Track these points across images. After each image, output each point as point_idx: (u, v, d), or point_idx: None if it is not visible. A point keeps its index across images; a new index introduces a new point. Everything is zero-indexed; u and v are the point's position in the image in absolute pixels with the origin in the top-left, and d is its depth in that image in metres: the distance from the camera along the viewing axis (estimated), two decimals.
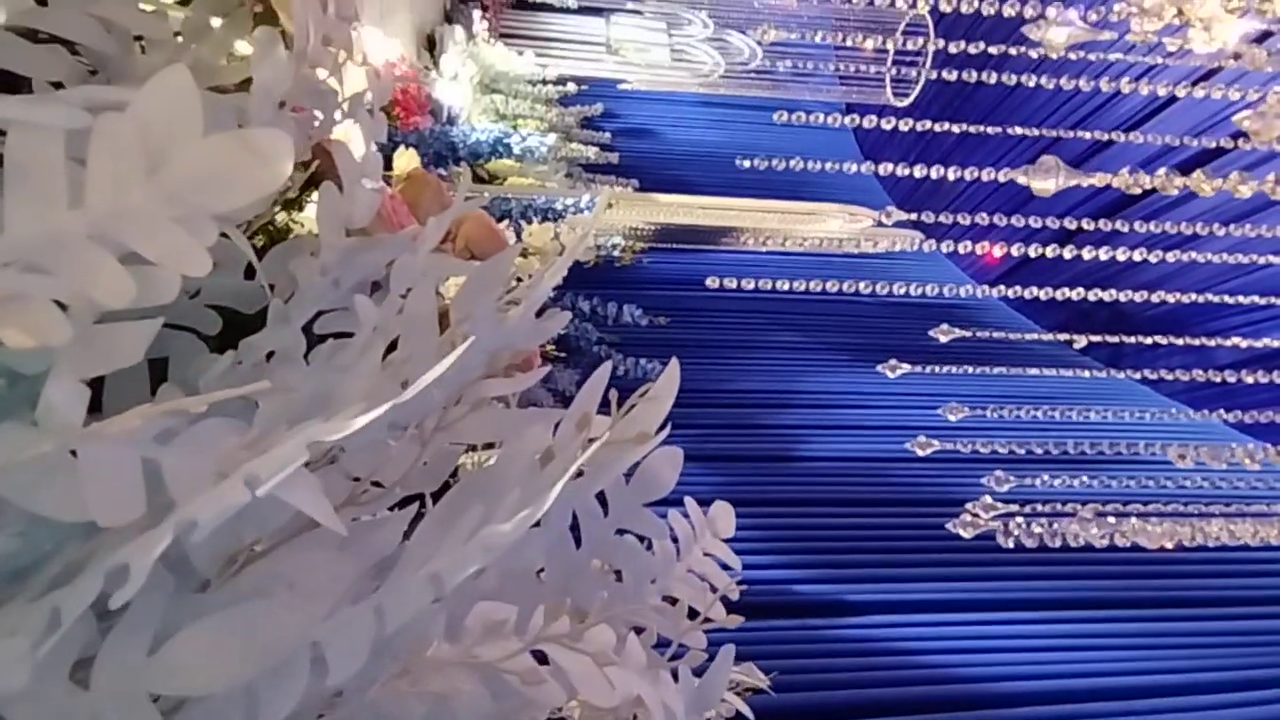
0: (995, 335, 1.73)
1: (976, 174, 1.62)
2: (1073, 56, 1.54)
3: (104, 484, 0.31)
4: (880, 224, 2.95)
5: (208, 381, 0.45)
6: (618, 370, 3.15)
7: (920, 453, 1.63)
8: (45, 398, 0.34)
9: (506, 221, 2.71)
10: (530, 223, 2.24)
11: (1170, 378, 1.74)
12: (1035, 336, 1.71)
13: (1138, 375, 1.84)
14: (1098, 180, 1.30)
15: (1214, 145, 1.55)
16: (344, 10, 0.53)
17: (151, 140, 0.33)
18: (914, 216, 1.70)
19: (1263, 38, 1.84)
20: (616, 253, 3.00)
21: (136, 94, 0.34)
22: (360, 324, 0.45)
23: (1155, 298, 1.79)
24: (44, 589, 0.32)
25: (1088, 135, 1.62)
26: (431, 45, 4.97)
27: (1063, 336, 1.77)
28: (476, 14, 5.51)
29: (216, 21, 0.55)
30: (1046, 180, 1.27)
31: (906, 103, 4.92)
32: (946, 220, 1.66)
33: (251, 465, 0.29)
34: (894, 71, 3.95)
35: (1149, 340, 1.78)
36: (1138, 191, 1.31)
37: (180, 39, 0.52)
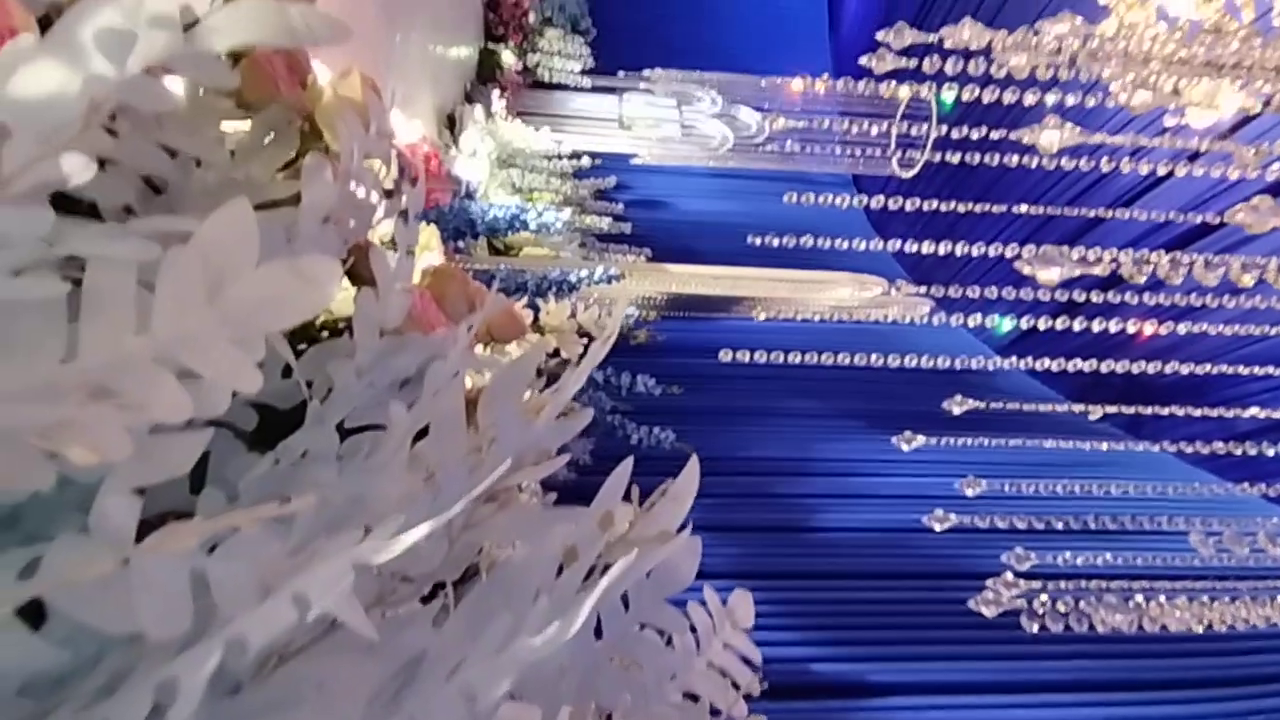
0: (1010, 406, 1.73)
1: (984, 249, 1.66)
2: (1071, 100, 1.59)
3: (155, 597, 0.33)
4: (891, 291, 2.99)
5: (247, 484, 0.47)
6: (631, 439, 3.15)
7: (937, 528, 1.61)
8: (99, 509, 0.36)
9: (522, 294, 2.77)
10: (546, 298, 2.30)
11: (1190, 450, 1.72)
12: (1051, 407, 1.71)
13: (1156, 447, 1.83)
14: (1100, 270, 1.33)
15: (1215, 221, 1.58)
16: (384, 128, 0.57)
17: (212, 269, 0.36)
18: (924, 290, 1.73)
19: (1263, 107, 1.90)
20: (630, 322, 3.05)
21: (201, 226, 0.37)
22: (393, 428, 0.47)
23: (1169, 368, 1.79)
24: (90, 700, 0.33)
25: (1091, 213, 1.67)
26: (452, 124, 5.18)
27: (1079, 408, 1.77)
28: (495, 94, 5.76)
29: (266, 138, 0.59)
30: (1050, 270, 1.30)
31: (912, 174, 5.05)
32: (956, 293, 1.69)
33: (300, 584, 0.30)
34: (899, 153, 4.08)
35: (1166, 411, 1.77)
36: (1140, 281, 1.34)
37: (234, 157, 0.56)
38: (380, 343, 0.55)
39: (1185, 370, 1.81)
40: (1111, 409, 1.70)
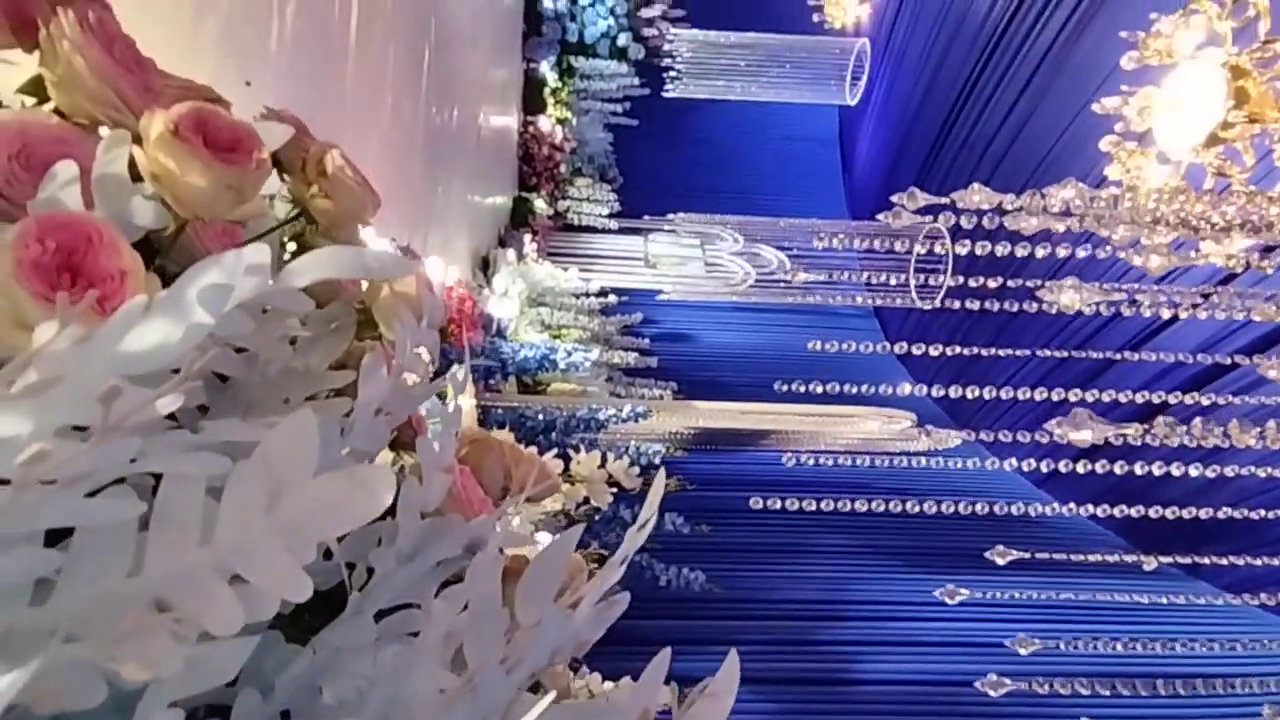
0: (1057, 555, 1.66)
1: (1012, 393, 1.66)
2: (1082, 253, 1.62)
3: None
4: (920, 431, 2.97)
5: (283, 682, 0.47)
6: (660, 580, 3.05)
7: (993, 694, 1.50)
8: None
9: (551, 431, 2.80)
10: (576, 446, 2.32)
11: (1255, 602, 1.62)
12: (1100, 556, 1.63)
13: (1219, 599, 1.72)
14: (1132, 433, 1.32)
15: (1228, 361, 1.58)
16: (435, 320, 0.61)
17: (273, 480, 0.38)
18: (954, 436, 1.71)
19: (1269, 248, 1.93)
20: (657, 461, 3.05)
21: (266, 436, 0.40)
22: (432, 625, 0.47)
23: (1203, 514, 1.72)
24: None
25: (1119, 356, 1.67)
26: (486, 265, 5.46)
27: (1130, 557, 1.69)
28: (527, 237, 6.11)
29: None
30: (1082, 433, 1.29)
31: (932, 305, 5.15)
32: (987, 438, 1.67)
33: None
34: (918, 279, 4.18)
35: (1225, 560, 1.69)
36: (1174, 443, 1.33)
37: (294, 345, 0.60)
38: (422, 526, 0.56)
39: (1239, 514, 1.74)
40: (1165, 559, 1.62)
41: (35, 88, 0.51)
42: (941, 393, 1.58)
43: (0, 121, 0.45)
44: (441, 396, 0.68)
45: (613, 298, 5.80)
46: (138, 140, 0.43)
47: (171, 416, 0.50)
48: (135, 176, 0.47)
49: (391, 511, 0.59)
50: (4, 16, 0.47)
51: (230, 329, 0.36)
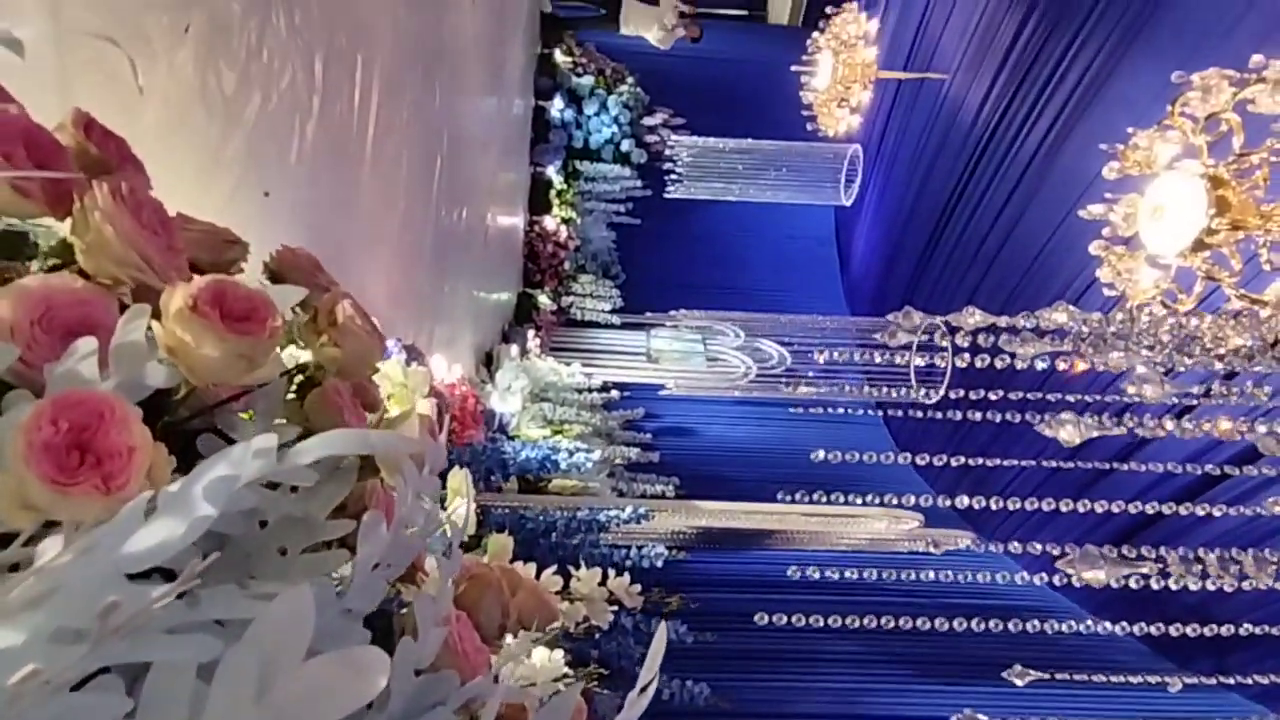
0: (1077, 676, 1.59)
1: (1019, 503, 1.63)
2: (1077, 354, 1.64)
3: None
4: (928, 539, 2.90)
5: None
6: (662, 694, 2.91)
7: None
8: None
9: (553, 535, 2.75)
10: (577, 559, 2.28)
11: None
12: (1125, 679, 1.56)
13: (1252, 718, 1.64)
14: (1147, 570, 1.30)
15: (1217, 472, 1.56)
16: (436, 465, 0.61)
17: (264, 664, 0.37)
18: (962, 539, 1.68)
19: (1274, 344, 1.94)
20: (660, 564, 2.97)
21: (260, 616, 0.39)
22: None
23: (1224, 630, 1.66)
24: None
25: (1126, 467, 1.66)
26: (489, 360, 5.51)
27: (1154, 678, 1.62)
28: (530, 333, 6.20)
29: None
30: (1096, 571, 1.27)
31: (935, 399, 5.15)
32: (997, 549, 1.64)
33: None
34: (921, 392, 4.20)
35: (1245, 680, 1.61)
36: (1194, 587, 1.30)
37: (295, 492, 0.60)
38: (415, 686, 0.54)
39: (1260, 631, 1.68)
40: (1190, 679, 1.56)
41: (62, 250, 0.54)
42: (947, 502, 1.56)
43: (25, 288, 0.47)
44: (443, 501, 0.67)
45: (615, 393, 5.82)
46: (156, 313, 0.45)
47: (170, 574, 0.50)
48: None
49: None
50: (40, 189, 0.50)
51: (233, 506, 0.37)
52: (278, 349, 0.54)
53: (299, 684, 0.38)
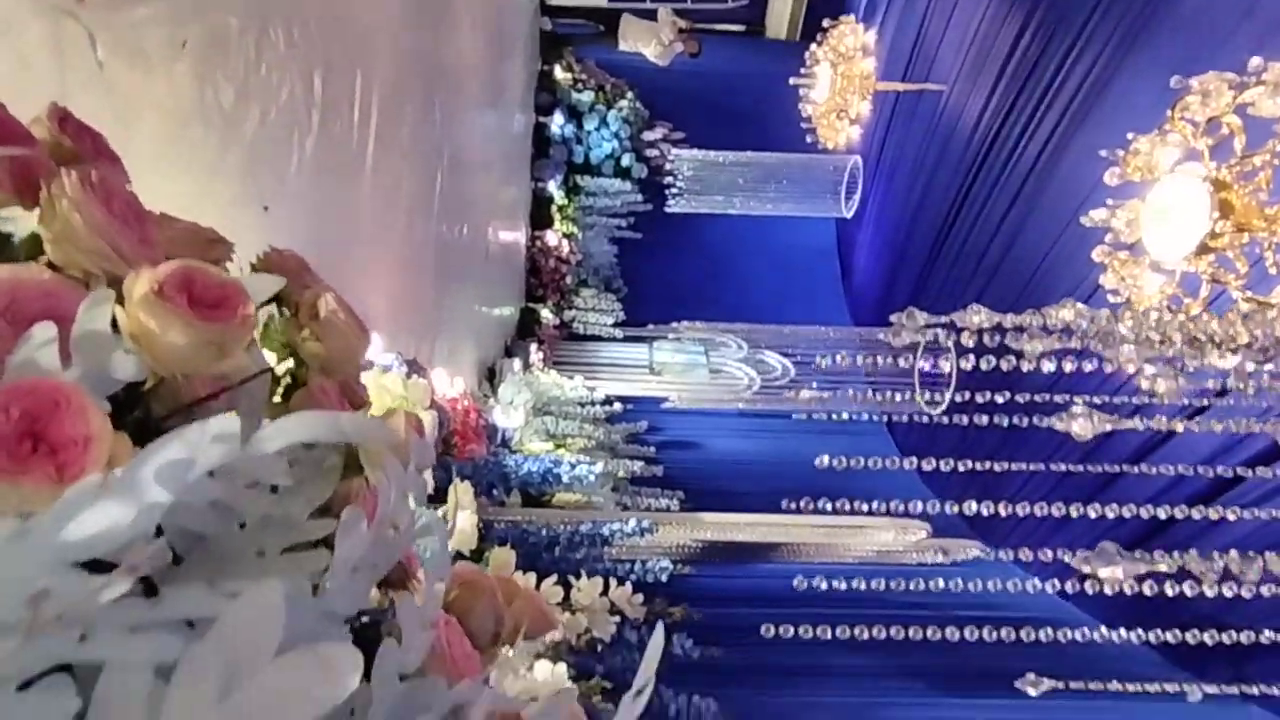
0: (1091, 685, 1.55)
1: (1029, 508, 1.60)
2: (1088, 366, 1.61)
3: None
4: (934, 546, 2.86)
5: None
6: (669, 710, 2.85)
7: None
8: None
9: (555, 550, 2.71)
10: (578, 571, 2.24)
11: None
12: (1140, 687, 1.52)
13: None
14: (1164, 567, 1.27)
15: (1230, 475, 1.53)
16: (422, 462, 0.59)
17: (230, 662, 0.35)
18: (971, 548, 1.64)
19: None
20: (664, 579, 2.93)
21: (225, 613, 0.37)
22: None
23: (1244, 637, 1.62)
24: None
25: (1136, 470, 1.63)
26: (492, 375, 5.50)
27: (1171, 686, 1.58)
28: (533, 347, 6.19)
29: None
30: (1113, 569, 1.24)
31: (942, 403, 5.11)
32: (1006, 557, 1.60)
33: None
34: (924, 395, 4.17)
35: (1269, 689, 1.57)
36: (1210, 593, 1.27)
37: (275, 492, 0.58)
38: (399, 692, 0.52)
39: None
40: (1210, 688, 1.51)
41: (31, 243, 0.52)
42: (955, 508, 1.53)
43: None
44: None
45: (618, 406, 5.79)
46: (121, 298, 0.43)
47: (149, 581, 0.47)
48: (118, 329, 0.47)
49: (366, 673, 0.55)
50: (9, 177, 0.48)
51: (195, 497, 0.34)
52: (256, 343, 0.53)
53: (265, 685, 0.36)
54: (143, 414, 0.51)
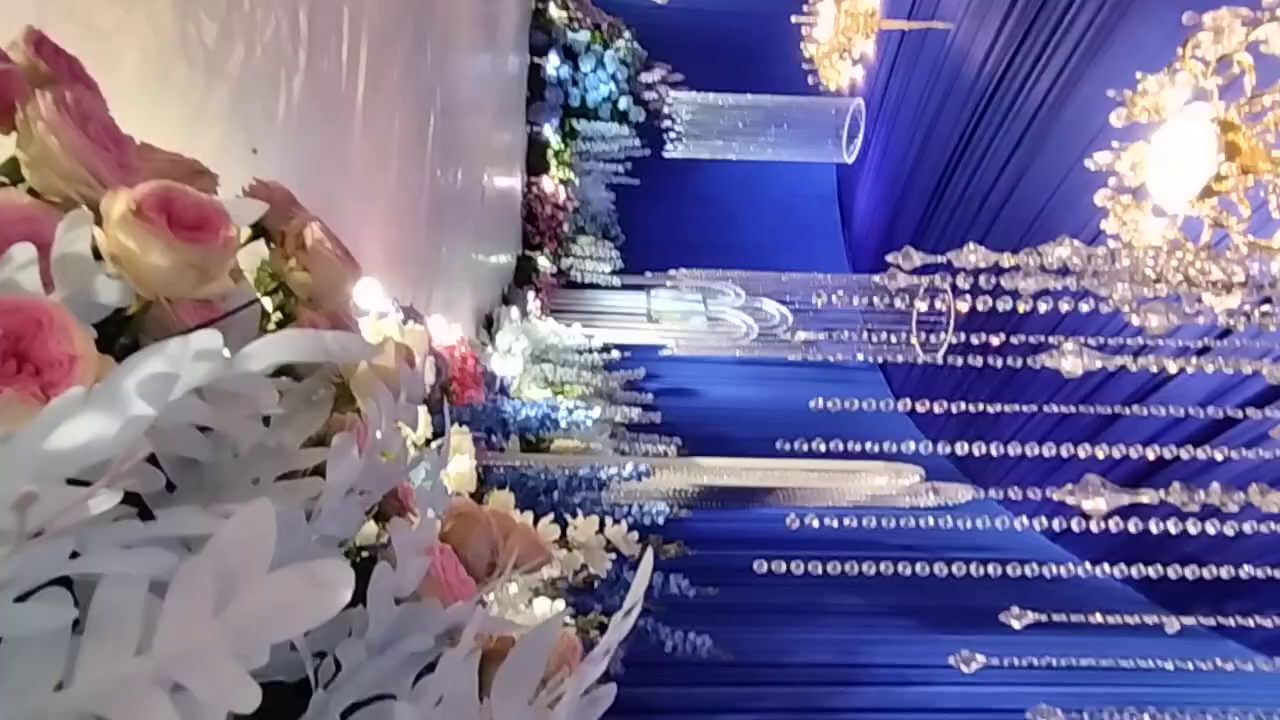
0: (1074, 618, 1.60)
1: (1020, 449, 1.62)
2: (1084, 307, 1.61)
3: None
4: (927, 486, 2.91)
5: None
6: (665, 645, 2.95)
7: None
8: None
9: (553, 494, 2.75)
10: (575, 511, 2.28)
11: None
12: (1120, 619, 1.57)
13: (1248, 664, 1.64)
14: (1147, 499, 1.29)
15: (1220, 415, 1.54)
16: (414, 393, 0.59)
17: (224, 577, 0.36)
18: (964, 492, 1.67)
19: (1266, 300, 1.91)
20: (661, 521, 2.99)
21: (218, 530, 0.37)
22: None
23: (1224, 572, 1.65)
24: None
25: (1128, 411, 1.64)
26: (490, 323, 5.49)
27: (1151, 619, 1.62)
28: (531, 295, 6.16)
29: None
30: (1096, 501, 1.26)
31: (941, 346, 5.12)
32: (997, 495, 1.63)
33: None
34: (920, 336, 4.17)
35: (1246, 621, 1.62)
36: (1193, 509, 1.29)
37: (268, 422, 0.58)
38: (395, 614, 0.53)
39: (1262, 574, 1.68)
40: (1189, 620, 1.56)
41: (11, 168, 0.51)
42: (948, 449, 1.55)
43: None
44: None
45: (616, 354, 5.79)
46: (101, 219, 0.42)
47: (137, 500, 0.48)
48: (101, 255, 0.46)
49: (363, 598, 0.56)
50: None
51: (182, 417, 0.34)
52: (238, 266, 0.52)
53: (259, 599, 0.36)
54: (131, 341, 0.51)
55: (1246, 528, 1.61)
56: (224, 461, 0.54)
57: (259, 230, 0.67)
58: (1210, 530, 1.53)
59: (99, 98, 0.61)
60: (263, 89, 2.36)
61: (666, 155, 7.39)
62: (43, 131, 0.47)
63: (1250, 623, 1.58)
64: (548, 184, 7.09)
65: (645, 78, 7.43)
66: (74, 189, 0.48)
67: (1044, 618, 1.57)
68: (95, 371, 0.37)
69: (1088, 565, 1.56)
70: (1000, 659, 1.57)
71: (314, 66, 2.66)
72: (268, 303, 0.69)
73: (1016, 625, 1.54)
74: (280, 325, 0.70)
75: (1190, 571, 1.48)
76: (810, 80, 5.95)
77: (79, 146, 0.47)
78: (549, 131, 7.22)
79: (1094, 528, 1.59)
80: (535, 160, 7.20)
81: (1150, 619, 1.59)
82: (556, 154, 7.27)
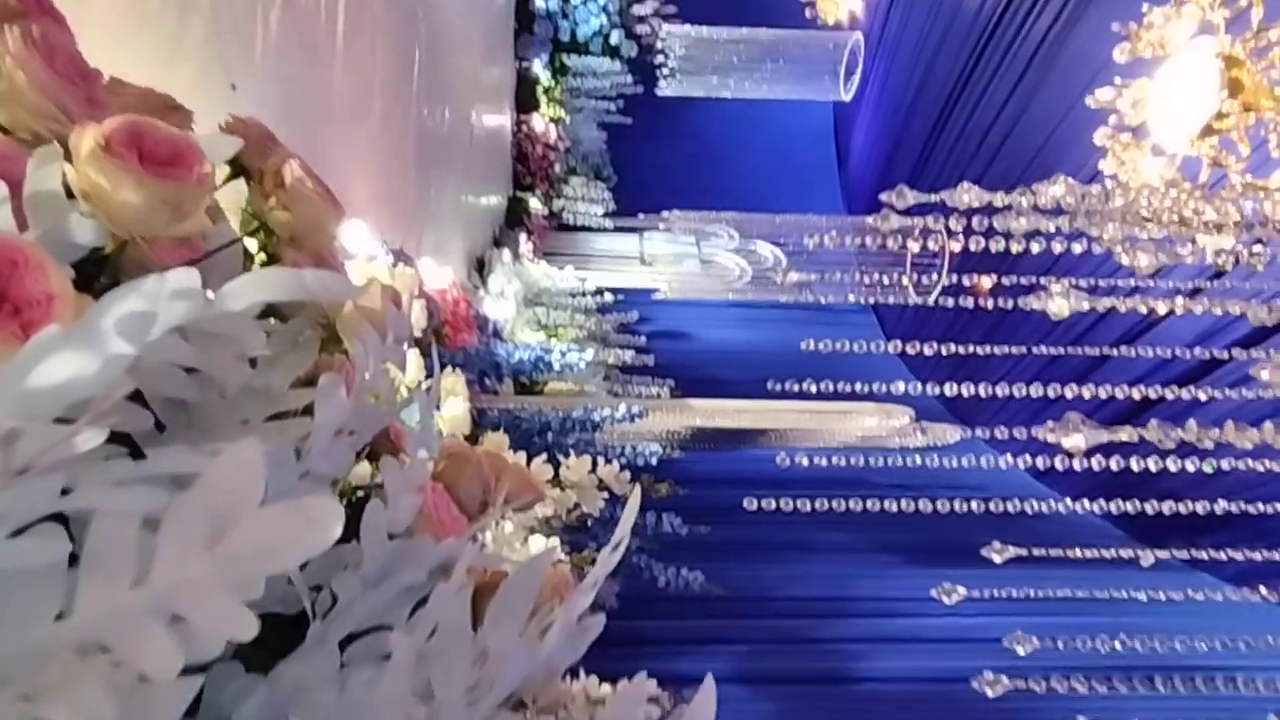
0: (1053, 552, 1.65)
1: (1008, 389, 1.64)
2: (1077, 248, 1.61)
3: None
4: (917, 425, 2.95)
5: (242, 715, 0.45)
6: (658, 581, 3.03)
7: (990, 694, 1.49)
8: None
9: (547, 433, 2.78)
10: (568, 450, 2.30)
11: (1256, 596, 1.60)
12: (1097, 553, 1.62)
13: (1218, 593, 1.70)
14: (1124, 436, 1.31)
15: (1225, 356, 1.56)
16: (400, 334, 0.59)
17: (216, 513, 0.36)
18: (952, 432, 1.69)
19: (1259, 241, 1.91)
20: (654, 461, 3.04)
21: (208, 466, 0.38)
22: (398, 657, 0.46)
23: (1200, 508, 1.70)
24: None
25: (1115, 352, 1.65)
26: (481, 266, 5.44)
27: (1127, 552, 1.68)
28: (523, 237, 6.08)
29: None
30: (1075, 437, 1.28)
31: (930, 299, 5.13)
32: (984, 435, 1.65)
33: None
34: (913, 277, 4.17)
35: (1219, 554, 1.67)
36: (1169, 446, 1.31)
37: (254, 365, 0.58)
38: (388, 550, 0.54)
39: (1236, 508, 1.72)
40: (1163, 553, 1.61)
41: None
42: (938, 390, 1.57)
43: None
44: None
45: (609, 296, 5.77)
46: (70, 156, 0.41)
47: (128, 441, 0.48)
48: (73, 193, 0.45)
49: (357, 534, 0.57)
50: None
51: (164, 355, 0.34)
52: (217, 205, 0.51)
53: (250, 534, 0.37)
54: (110, 282, 0.50)
55: (1225, 465, 1.64)
56: (212, 402, 0.54)
57: (239, 169, 0.66)
58: (1190, 468, 1.56)
59: (67, 31, 0.59)
60: (239, 23, 2.27)
61: (659, 93, 7.20)
62: (10, 66, 0.45)
63: (1223, 556, 1.64)
64: (538, 122, 6.92)
65: (637, 10, 7.17)
66: (43, 125, 0.46)
67: (1024, 552, 1.62)
68: (74, 310, 0.37)
69: (1068, 501, 1.60)
70: (981, 591, 1.63)
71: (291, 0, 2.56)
72: (252, 244, 0.68)
73: (997, 559, 1.59)
74: (265, 266, 0.69)
75: (1167, 507, 1.52)
76: (808, 14, 5.76)
77: (46, 81, 0.46)
78: (539, 67, 7.01)
79: (1076, 465, 1.62)
80: (525, 97, 7.00)
81: (1126, 553, 1.64)
82: (547, 91, 7.07)
